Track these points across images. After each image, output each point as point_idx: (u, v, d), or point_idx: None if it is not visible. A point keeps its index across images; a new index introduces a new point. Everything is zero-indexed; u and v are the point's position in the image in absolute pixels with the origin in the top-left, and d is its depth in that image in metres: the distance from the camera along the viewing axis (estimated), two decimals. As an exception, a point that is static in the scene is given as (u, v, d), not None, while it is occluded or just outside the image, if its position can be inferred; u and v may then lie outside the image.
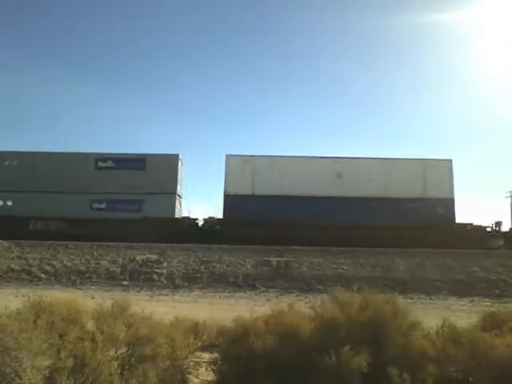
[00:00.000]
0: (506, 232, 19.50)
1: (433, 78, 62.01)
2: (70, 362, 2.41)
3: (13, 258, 12.76)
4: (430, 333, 3.31)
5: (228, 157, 19.97)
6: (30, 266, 11.90)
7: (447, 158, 20.05)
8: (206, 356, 3.71)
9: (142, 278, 11.13)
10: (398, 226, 17.89)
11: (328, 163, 19.73)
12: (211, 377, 3.30)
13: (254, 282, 10.77)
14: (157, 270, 11.55)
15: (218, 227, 19.35)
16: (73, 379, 2.36)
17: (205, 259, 12.73)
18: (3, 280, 10.84)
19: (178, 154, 20.55)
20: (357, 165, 19.76)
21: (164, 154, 20.54)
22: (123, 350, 2.86)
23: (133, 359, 2.83)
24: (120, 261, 12.46)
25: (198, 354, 3.70)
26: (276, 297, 9.54)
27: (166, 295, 9.59)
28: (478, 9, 55.95)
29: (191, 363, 3.49)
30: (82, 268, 11.78)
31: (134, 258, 12.66)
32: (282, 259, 12.84)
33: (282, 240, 15.49)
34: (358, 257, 13.34)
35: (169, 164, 20.18)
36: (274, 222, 18.00)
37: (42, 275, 11.21)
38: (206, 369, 3.50)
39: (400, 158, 20.31)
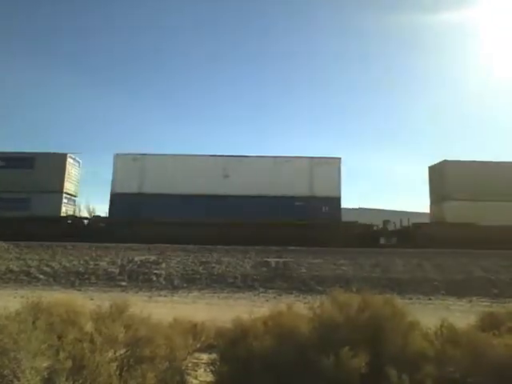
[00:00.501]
0: (398, 230, 19.89)
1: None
2: (69, 363, 2.41)
3: (11, 259, 12.74)
4: (429, 333, 3.32)
5: (116, 155, 19.88)
6: (29, 267, 11.88)
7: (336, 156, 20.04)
8: (205, 357, 3.71)
9: (140, 278, 11.12)
10: (284, 223, 18.09)
11: (216, 161, 19.75)
12: (210, 378, 3.30)
13: (253, 283, 10.76)
14: (155, 271, 11.54)
15: (103, 225, 19.36)
16: (71, 380, 2.36)
17: (204, 260, 12.74)
18: (2, 281, 10.81)
19: (66, 154, 20.59)
20: (245, 163, 19.74)
21: (53, 153, 20.55)
22: (122, 351, 2.85)
23: (131, 360, 2.83)
24: (119, 262, 12.45)
25: (196, 355, 3.70)
26: (275, 297, 9.53)
27: (165, 296, 9.56)
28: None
29: (190, 364, 3.48)
30: (81, 269, 11.76)
31: (133, 259, 12.65)
32: (281, 260, 12.85)
33: (168, 238, 15.58)
34: (357, 257, 13.37)
35: (57, 163, 20.18)
36: (161, 221, 18.04)
37: (41, 276, 11.18)
38: (205, 370, 3.50)
39: (288, 155, 20.24)
